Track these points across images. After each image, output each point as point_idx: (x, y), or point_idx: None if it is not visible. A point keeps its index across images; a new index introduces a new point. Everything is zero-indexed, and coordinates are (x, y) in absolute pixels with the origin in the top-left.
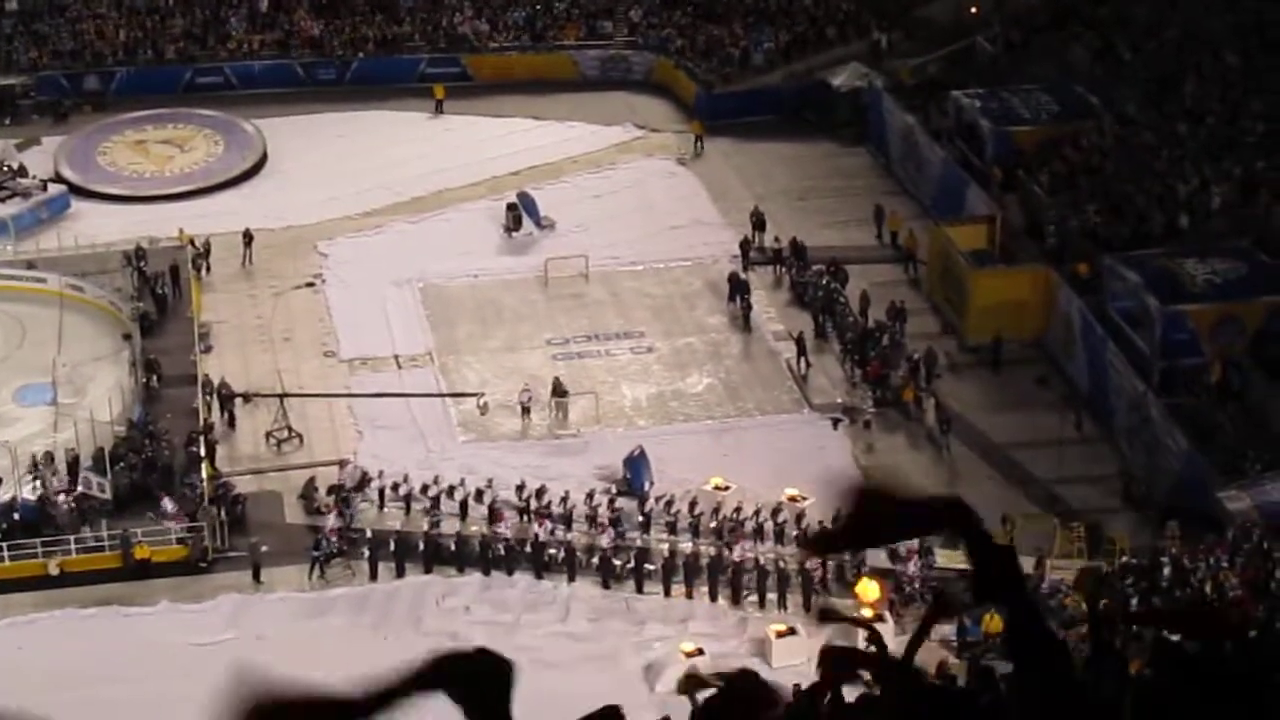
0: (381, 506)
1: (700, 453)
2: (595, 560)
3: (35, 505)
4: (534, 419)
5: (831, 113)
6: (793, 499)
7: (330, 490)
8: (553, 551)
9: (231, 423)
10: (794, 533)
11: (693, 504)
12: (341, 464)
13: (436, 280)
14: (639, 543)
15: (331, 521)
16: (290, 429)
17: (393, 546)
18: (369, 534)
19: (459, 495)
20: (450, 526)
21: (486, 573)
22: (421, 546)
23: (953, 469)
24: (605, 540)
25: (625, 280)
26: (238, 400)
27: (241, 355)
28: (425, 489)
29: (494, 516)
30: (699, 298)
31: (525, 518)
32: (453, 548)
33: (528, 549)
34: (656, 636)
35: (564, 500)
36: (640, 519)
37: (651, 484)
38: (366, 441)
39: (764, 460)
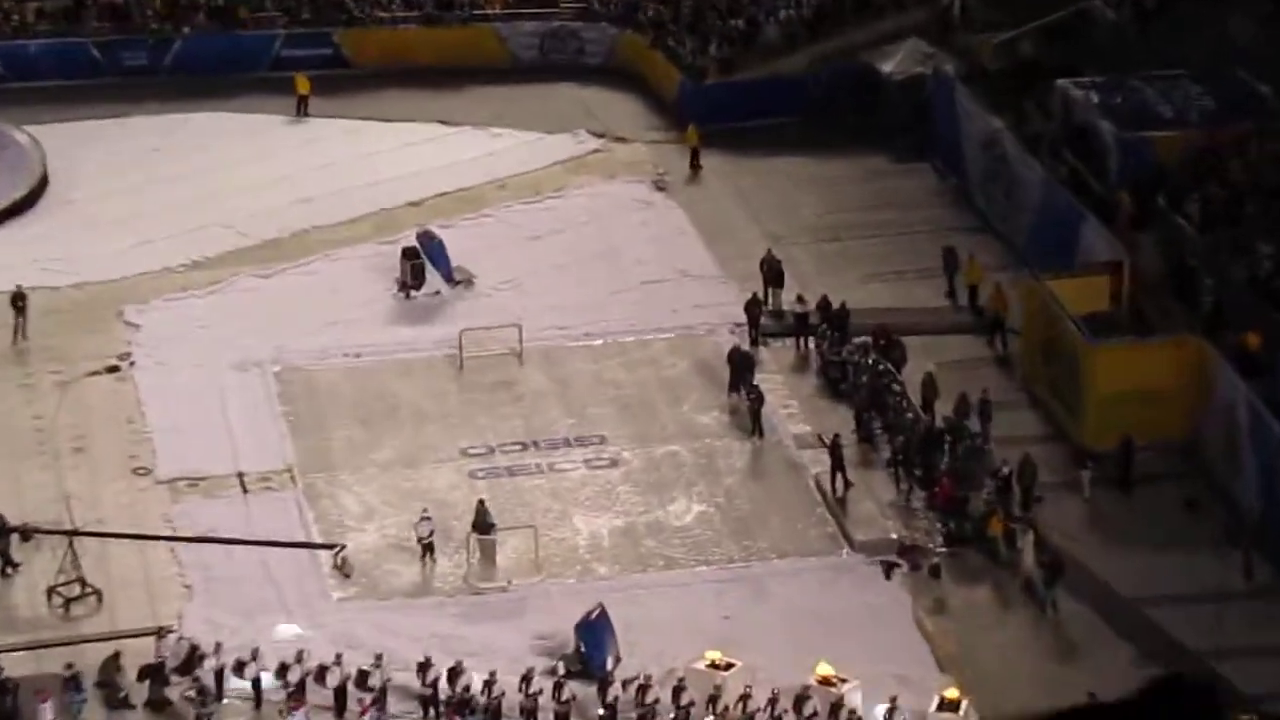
0: (219, 696)
1: (689, 614)
2: None
3: None
4: (442, 564)
5: (880, 112)
6: (826, 681)
7: (143, 674)
8: None
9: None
10: None
11: (678, 689)
12: (160, 634)
13: (299, 361)
14: None
15: None
16: (84, 582)
17: None
18: None
19: (333, 680)
20: None
21: None
22: None
23: (1060, 635)
24: None
25: (577, 361)
26: (9, 539)
27: (11, 473)
28: (284, 670)
29: (378, 707)
30: (686, 386)
31: (431, 712)
32: None
33: None
34: None
35: (488, 686)
36: (601, 713)
37: (617, 661)
38: (197, 602)
39: (784, 625)
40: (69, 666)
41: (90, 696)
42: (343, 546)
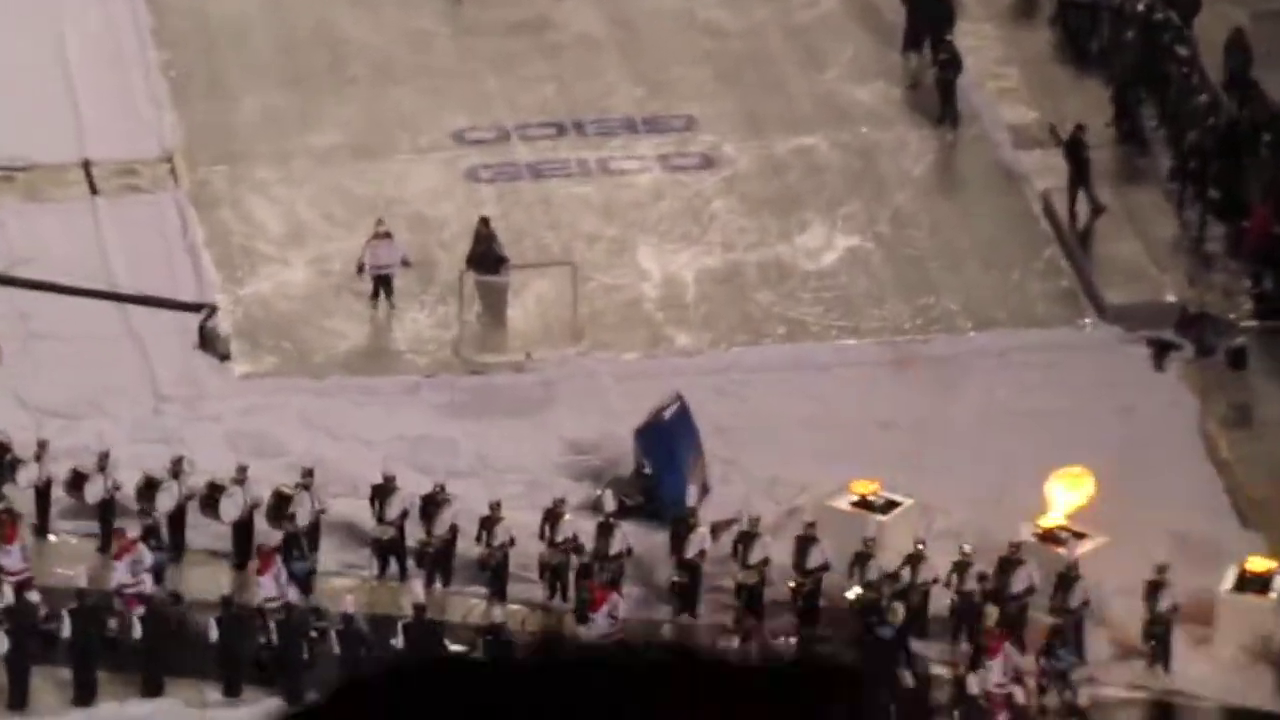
0: (43, 528)
1: (826, 416)
2: None
3: None
4: (414, 319)
5: None
6: (1049, 536)
7: None
8: (457, 648)
9: None
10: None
11: (803, 542)
12: None
13: None
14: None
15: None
16: None
17: (68, 620)
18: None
19: (231, 508)
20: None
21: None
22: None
23: None
24: (594, 627)
25: None
26: None
27: None
28: (149, 489)
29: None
30: (831, 35)
31: (392, 565)
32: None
33: (406, 629)
34: None
35: (487, 527)
36: (676, 578)
37: (702, 491)
38: (6, 373)
39: (982, 437)
40: None
41: None
42: (212, 309)
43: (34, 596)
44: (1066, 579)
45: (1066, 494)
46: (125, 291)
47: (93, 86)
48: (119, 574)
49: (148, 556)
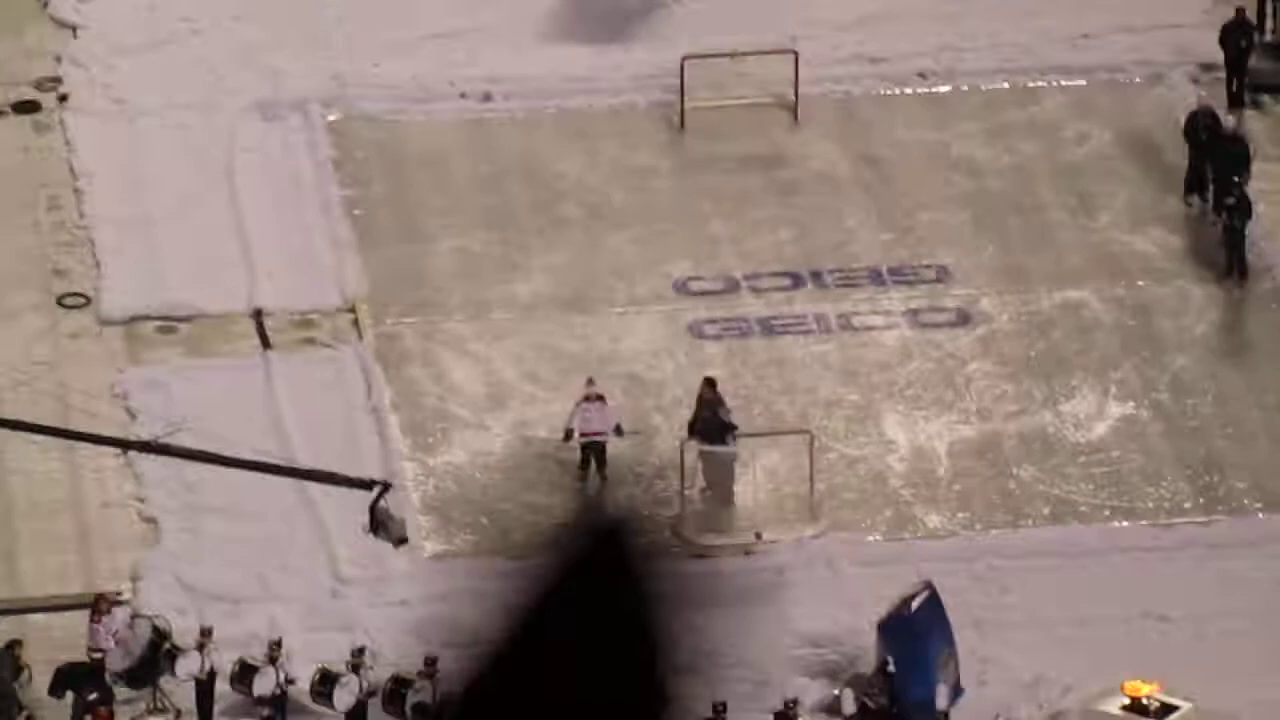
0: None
1: (1092, 607)
2: None
3: None
4: (630, 494)
5: None
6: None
7: (64, 680)
8: None
9: None
10: None
11: None
12: (99, 608)
13: (374, 105)
14: None
15: None
16: None
17: None
18: None
19: (428, 692)
20: None
21: None
22: None
23: None
24: None
25: (897, 121)
26: None
27: None
28: (326, 680)
29: None
30: (1104, 177)
31: None
32: None
33: None
34: None
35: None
36: None
37: (955, 693)
38: (167, 550)
39: (1269, 637)
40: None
41: None
42: (386, 486)
43: None
44: None
45: None
46: (300, 460)
47: (266, 226)
48: None
49: None
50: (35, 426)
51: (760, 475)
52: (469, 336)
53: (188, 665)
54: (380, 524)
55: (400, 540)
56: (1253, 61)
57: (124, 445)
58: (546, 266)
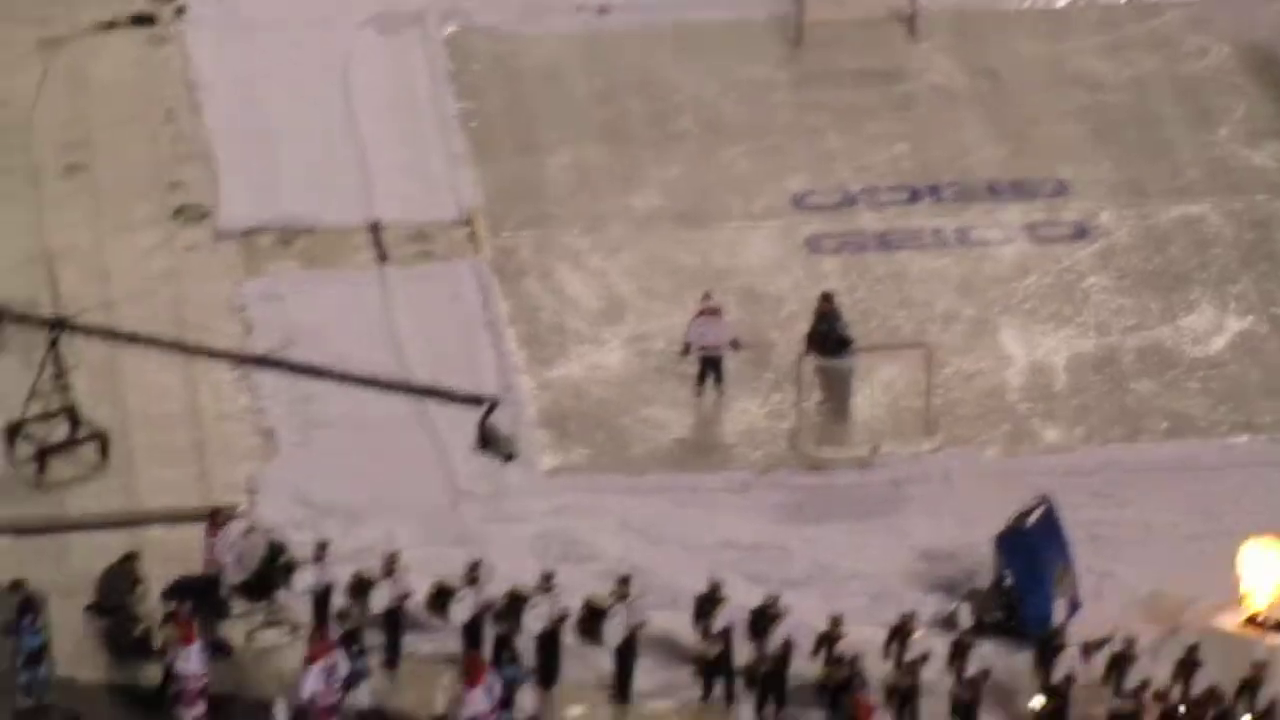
0: (321, 640)
1: (1214, 524)
2: None
3: None
4: (745, 409)
5: None
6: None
7: (178, 592)
8: None
9: None
10: None
11: (1185, 666)
12: (215, 520)
13: (489, 18)
14: None
15: (190, 666)
16: (75, 416)
17: None
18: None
19: (538, 610)
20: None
21: None
22: None
23: None
24: None
25: (1018, 34)
26: None
27: None
28: (442, 594)
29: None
30: (1223, 91)
31: (717, 686)
32: None
33: None
34: None
35: (826, 643)
36: (1037, 705)
37: (1072, 608)
38: (284, 463)
39: None
40: (14, 586)
41: (64, 630)
42: (494, 403)
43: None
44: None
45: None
46: (416, 374)
47: (382, 140)
48: (310, 682)
49: (344, 664)
50: (151, 340)
51: (877, 389)
52: (585, 249)
53: (304, 579)
54: (489, 440)
55: (509, 456)
56: None
57: (238, 359)
58: (662, 180)
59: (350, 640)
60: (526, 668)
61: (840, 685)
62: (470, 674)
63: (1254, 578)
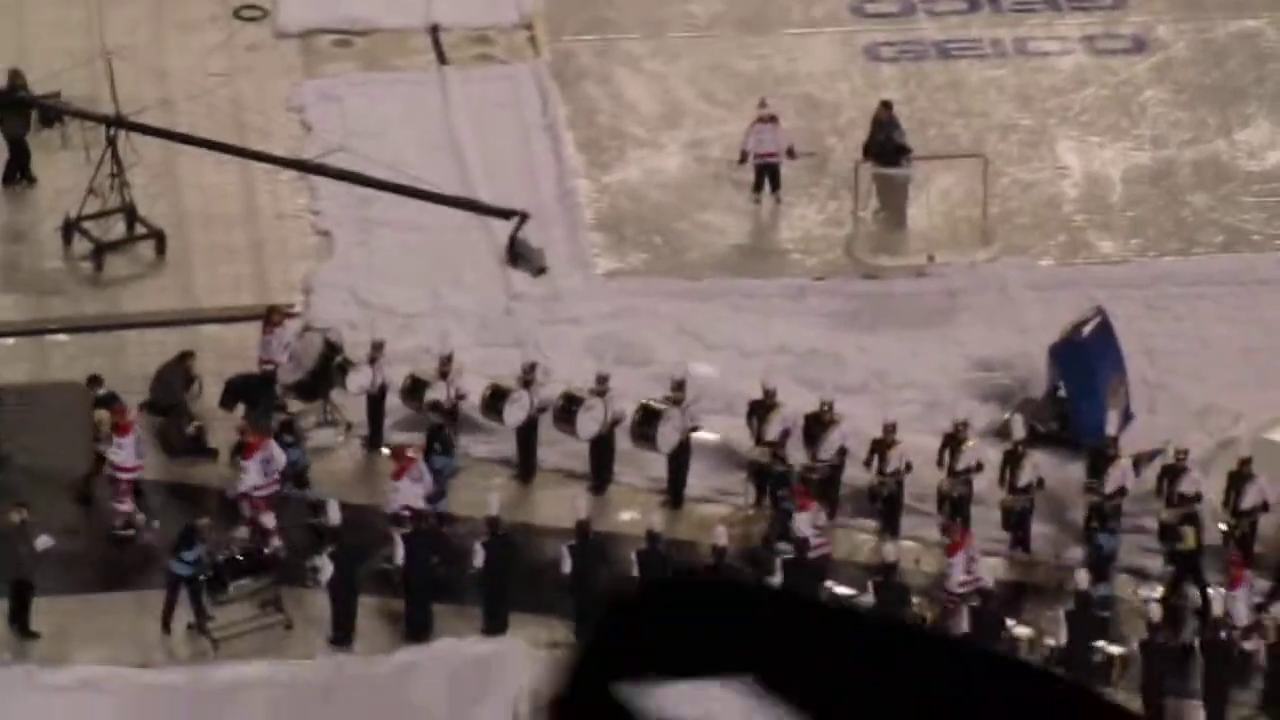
0: (375, 438)
1: (1267, 335)
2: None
3: None
4: (802, 214)
5: None
6: None
7: (235, 392)
8: (843, 591)
9: None
10: None
11: (1237, 478)
12: (273, 317)
13: None
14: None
15: (249, 475)
16: (134, 214)
17: (402, 547)
18: (331, 514)
19: (590, 422)
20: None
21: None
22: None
23: None
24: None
25: None
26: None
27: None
28: (497, 396)
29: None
30: None
31: (752, 490)
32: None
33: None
34: None
35: (881, 448)
36: (1092, 514)
37: (1125, 419)
38: (341, 261)
39: None
40: (93, 381)
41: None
42: (524, 216)
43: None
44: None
45: None
46: (474, 176)
47: None
48: (249, 476)
49: (280, 455)
50: (202, 140)
51: (934, 198)
52: (645, 54)
53: (359, 379)
54: (519, 255)
55: (539, 270)
56: None
57: (273, 161)
58: None
59: (286, 429)
60: (458, 458)
61: (890, 497)
62: (397, 464)
63: None
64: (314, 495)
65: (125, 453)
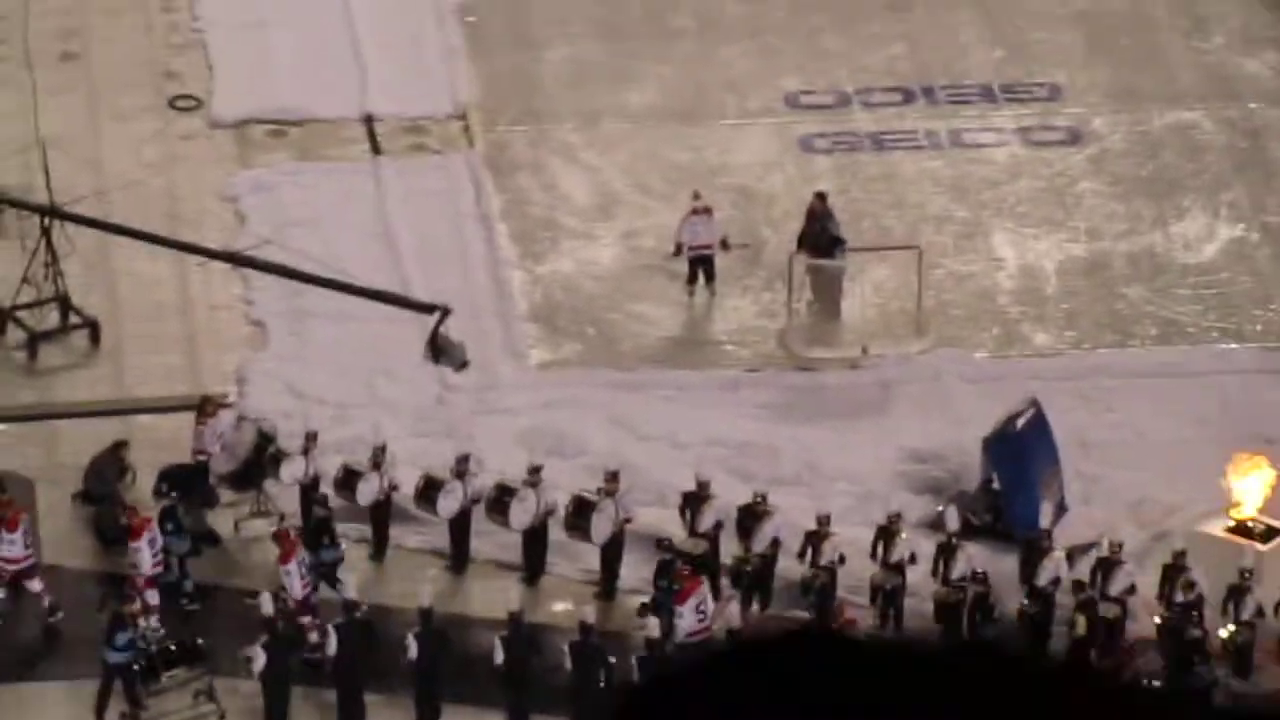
0: (313, 528)
1: (1200, 430)
2: None
3: None
4: (735, 305)
5: None
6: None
7: (168, 481)
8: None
9: None
10: None
11: (1172, 571)
12: (205, 409)
13: None
14: None
15: (143, 554)
16: (67, 304)
17: (335, 638)
18: (269, 604)
19: (528, 508)
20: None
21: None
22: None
23: None
24: (681, 623)
25: None
26: None
27: None
28: (431, 487)
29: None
30: None
31: (714, 580)
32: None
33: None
34: None
35: (814, 540)
36: (1025, 604)
37: (1059, 512)
38: (274, 352)
39: None
40: None
41: (51, 517)
42: (445, 311)
43: (35, 586)
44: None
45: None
46: (408, 266)
47: (378, 32)
48: (144, 555)
49: (159, 538)
50: (136, 231)
51: (868, 290)
52: (579, 145)
53: (292, 469)
54: (441, 350)
55: (461, 365)
56: None
57: (204, 253)
58: (658, 77)
59: (167, 518)
60: (344, 548)
61: (823, 589)
62: (282, 550)
63: (1241, 485)
64: (344, 593)
65: (15, 547)
